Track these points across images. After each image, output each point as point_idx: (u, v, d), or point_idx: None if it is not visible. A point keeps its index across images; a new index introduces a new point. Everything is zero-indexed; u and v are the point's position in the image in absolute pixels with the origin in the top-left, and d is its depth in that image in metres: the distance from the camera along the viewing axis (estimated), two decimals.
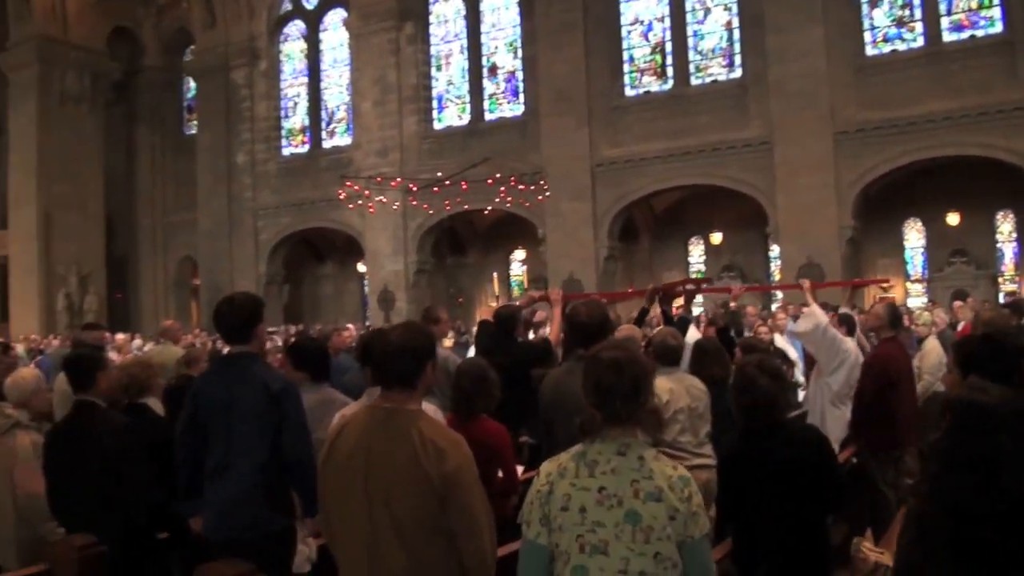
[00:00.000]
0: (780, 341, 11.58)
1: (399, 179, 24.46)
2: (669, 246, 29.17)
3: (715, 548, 4.90)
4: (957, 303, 15.63)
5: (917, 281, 25.30)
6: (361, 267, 32.21)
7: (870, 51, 22.66)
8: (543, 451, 5.27)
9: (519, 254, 32.07)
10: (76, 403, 5.37)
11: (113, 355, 14.14)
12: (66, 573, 4.29)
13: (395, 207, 26.59)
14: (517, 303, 8.71)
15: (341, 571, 3.60)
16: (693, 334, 7.96)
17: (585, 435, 3.07)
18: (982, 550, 2.65)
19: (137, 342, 19.88)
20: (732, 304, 10.99)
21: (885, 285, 18.15)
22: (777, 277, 24.58)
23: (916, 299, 24.42)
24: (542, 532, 2.97)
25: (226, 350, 5.42)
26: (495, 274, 27.92)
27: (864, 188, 22.18)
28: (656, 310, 8.01)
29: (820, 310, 8.29)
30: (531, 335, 11.25)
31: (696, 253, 29.07)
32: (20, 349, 18.53)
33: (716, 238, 28.01)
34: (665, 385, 5.98)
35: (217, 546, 4.62)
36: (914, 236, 25.30)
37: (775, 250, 24.68)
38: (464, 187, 23.34)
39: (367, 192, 24.09)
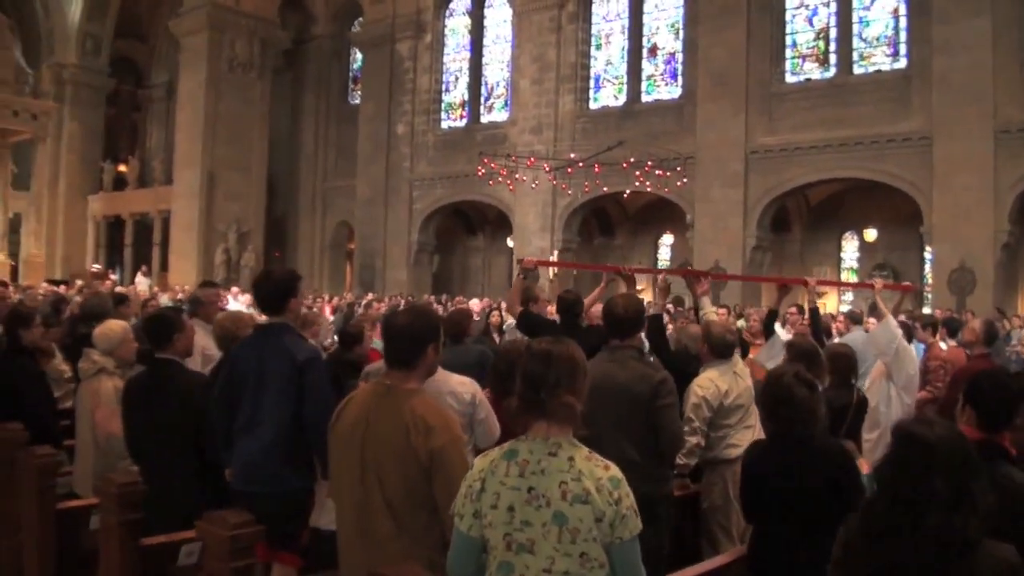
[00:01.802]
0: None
1: (532, 159, 24.36)
2: (822, 239, 28.40)
3: (724, 554, 4.88)
4: None
5: None
6: (510, 242, 32.39)
7: None
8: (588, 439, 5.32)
9: (667, 238, 31.76)
10: (153, 359, 5.72)
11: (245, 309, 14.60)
12: (109, 504, 4.66)
13: (534, 186, 26.55)
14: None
15: (339, 532, 3.87)
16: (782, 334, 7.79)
17: (510, 420, 3.16)
18: None
19: None
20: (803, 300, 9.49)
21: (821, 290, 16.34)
22: (929, 280, 23.60)
23: None
24: (474, 525, 3.02)
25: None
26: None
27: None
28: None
29: (893, 320, 7.99)
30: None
31: (849, 249, 28.21)
32: (164, 299, 19.36)
33: (870, 235, 27.09)
34: (720, 377, 6.14)
35: (240, 496, 4.92)
36: None
37: (929, 251, 23.65)
38: (597, 170, 23.09)
39: (503, 171, 24.13)
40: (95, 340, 6.24)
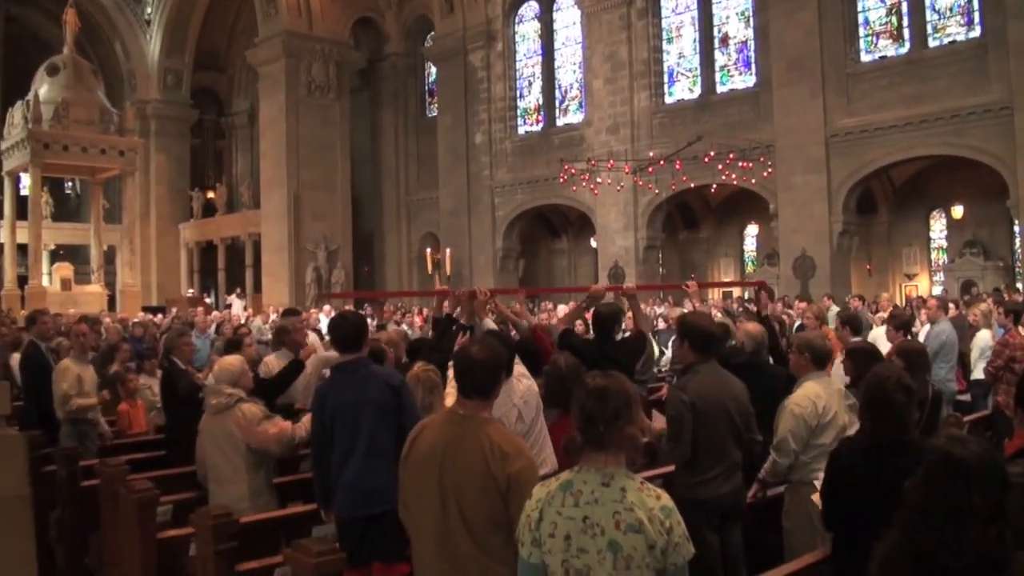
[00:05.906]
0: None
1: (612, 161, 24.30)
2: (909, 219, 27.88)
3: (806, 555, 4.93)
4: None
5: None
6: (593, 242, 32.45)
7: None
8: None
9: (752, 229, 31.59)
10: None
11: None
12: (204, 535, 5.02)
13: (619, 189, 26.56)
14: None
15: (414, 555, 4.13)
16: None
17: (568, 455, 3.33)
18: None
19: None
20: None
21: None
22: (1020, 254, 22.98)
23: None
24: (533, 552, 3.23)
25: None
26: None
27: None
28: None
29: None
30: None
31: (937, 227, 27.66)
32: (257, 322, 20.21)
33: (957, 211, 26.51)
34: (821, 393, 5.91)
35: (349, 523, 5.36)
36: None
37: (1018, 226, 23.02)
38: (678, 166, 22.94)
39: (584, 176, 24.14)
40: (218, 375, 6.63)
